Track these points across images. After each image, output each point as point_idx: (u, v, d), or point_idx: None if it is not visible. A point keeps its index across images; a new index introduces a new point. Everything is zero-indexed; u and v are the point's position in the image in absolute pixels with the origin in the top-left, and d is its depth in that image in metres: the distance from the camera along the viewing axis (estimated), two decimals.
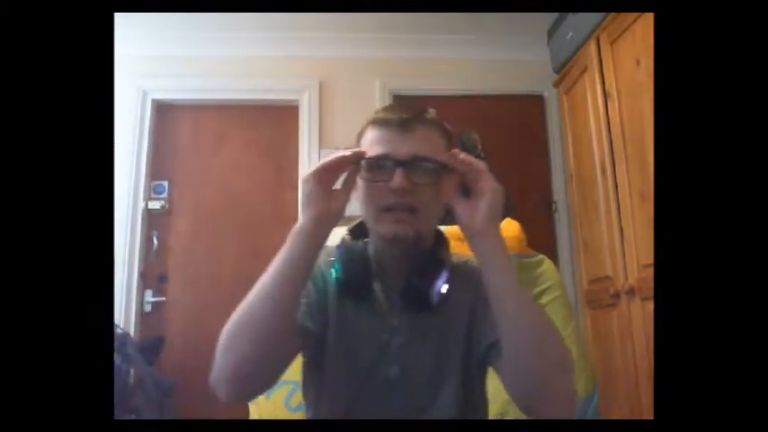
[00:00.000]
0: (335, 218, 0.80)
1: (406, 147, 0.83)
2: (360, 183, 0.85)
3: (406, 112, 0.87)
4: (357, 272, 0.87)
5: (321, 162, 0.79)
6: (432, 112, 0.90)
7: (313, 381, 0.90)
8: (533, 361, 0.75)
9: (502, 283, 0.78)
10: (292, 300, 0.78)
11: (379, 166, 0.83)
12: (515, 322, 0.77)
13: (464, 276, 0.90)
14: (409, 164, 0.82)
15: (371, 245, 0.90)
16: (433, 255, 0.89)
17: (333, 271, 0.88)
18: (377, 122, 0.87)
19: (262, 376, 0.79)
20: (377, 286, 0.88)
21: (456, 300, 0.87)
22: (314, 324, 0.85)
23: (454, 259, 0.92)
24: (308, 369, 0.91)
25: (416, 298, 0.85)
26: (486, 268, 0.79)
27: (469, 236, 0.80)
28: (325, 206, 0.79)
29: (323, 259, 0.89)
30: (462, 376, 0.86)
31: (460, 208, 0.80)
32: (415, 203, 0.82)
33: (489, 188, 0.78)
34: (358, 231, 0.94)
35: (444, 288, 0.86)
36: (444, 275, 0.86)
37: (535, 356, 0.75)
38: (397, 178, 0.81)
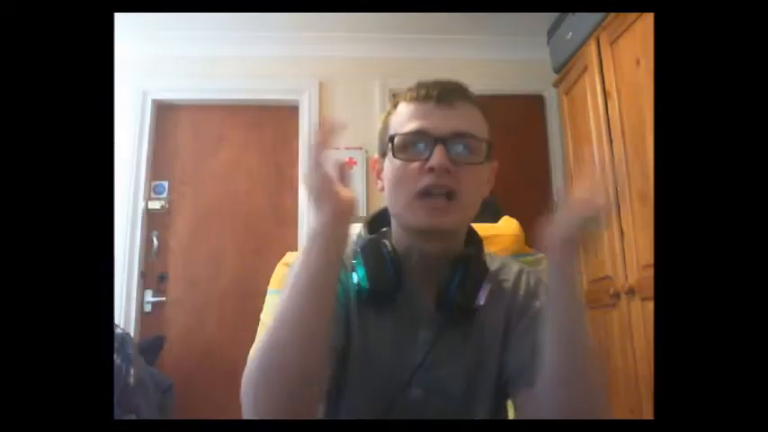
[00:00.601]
0: (354, 209, 0.66)
1: (446, 122, 0.73)
2: (388, 166, 0.75)
3: (445, 85, 0.76)
4: (385, 279, 0.74)
5: (313, 143, 0.65)
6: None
7: (330, 397, 0.75)
8: (580, 388, 0.65)
9: (569, 310, 0.67)
10: (323, 320, 0.64)
11: (414, 143, 0.73)
12: (570, 349, 0.66)
13: (499, 280, 0.79)
14: (450, 140, 0.72)
15: (396, 241, 0.78)
16: (471, 255, 0.77)
17: (354, 276, 0.76)
18: (412, 95, 0.76)
19: (305, 412, 0.63)
20: (405, 287, 0.76)
21: (492, 309, 0.76)
22: (337, 339, 0.73)
23: (488, 260, 0.81)
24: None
25: (454, 307, 0.74)
26: (557, 292, 0.67)
27: (546, 250, 0.67)
28: (339, 198, 0.64)
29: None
30: (494, 399, 0.75)
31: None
32: (456, 187, 0.71)
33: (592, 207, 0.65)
34: (375, 225, 0.83)
35: (484, 295, 0.74)
36: (486, 281, 0.75)
37: (583, 383, 0.66)
38: (437, 155, 0.70)
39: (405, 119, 0.75)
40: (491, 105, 0.81)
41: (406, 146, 0.73)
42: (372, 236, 0.79)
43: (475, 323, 0.75)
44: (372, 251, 0.76)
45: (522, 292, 0.80)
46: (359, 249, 0.77)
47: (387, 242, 0.76)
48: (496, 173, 0.80)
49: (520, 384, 0.72)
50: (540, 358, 0.67)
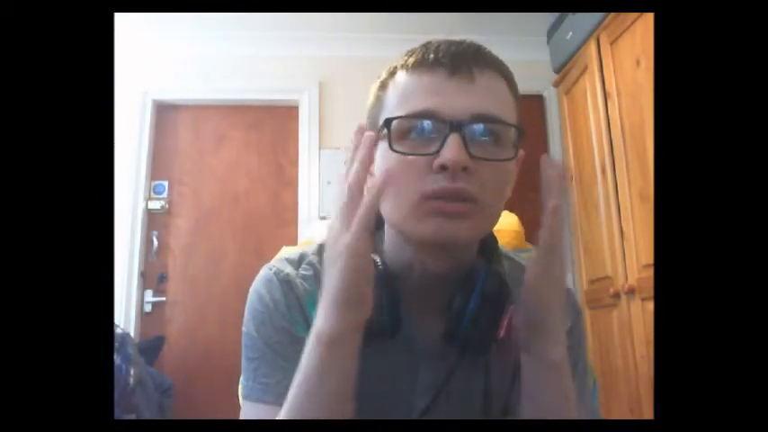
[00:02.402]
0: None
1: (464, 100, 0.54)
2: (382, 158, 0.57)
3: (462, 47, 0.57)
4: (382, 310, 0.55)
5: (358, 217, 0.46)
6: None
7: None
8: None
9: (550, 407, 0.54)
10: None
11: (419, 130, 0.55)
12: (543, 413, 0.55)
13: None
14: (469, 126, 0.53)
15: (391, 253, 0.61)
16: (489, 273, 0.59)
17: None
18: (416, 60, 0.57)
19: None
20: (400, 321, 0.58)
21: (513, 334, 0.58)
22: None
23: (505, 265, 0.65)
24: None
25: (467, 343, 0.57)
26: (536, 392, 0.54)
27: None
28: (367, 297, 0.48)
29: None
30: None
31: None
32: (475, 190, 0.53)
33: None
34: None
35: (506, 324, 0.57)
36: (509, 306, 0.57)
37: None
38: (451, 147, 0.52)
39: (406, 95, 0.56)
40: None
41: (408, 134, 0.55)
42: None
43: (491, 357, 0.59)
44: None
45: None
46: None
47: (377, 259, 0.58)
48: (521, 164, 0.61)
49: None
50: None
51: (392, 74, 0.60)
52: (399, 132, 0.56)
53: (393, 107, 0.58)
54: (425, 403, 0.59)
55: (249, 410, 0.61)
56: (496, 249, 0.66)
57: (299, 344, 0.55)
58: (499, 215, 0.59)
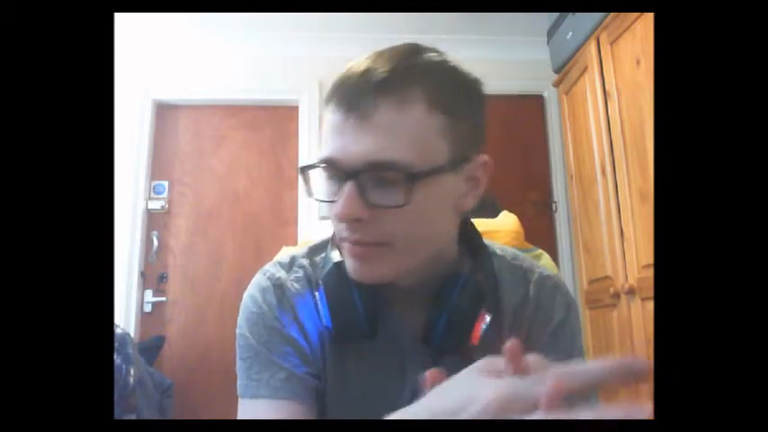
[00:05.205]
0: None
1: (359, 144, 0.51)
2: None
3: (366, 74, 0.53)
4: (352, 319, 0.58)
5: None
6: (436, 57, 0.56)
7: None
8: None
9: None
10: None
11: (324, 179, 0.55)
12: None
13: (504, 296, 0.64)
14: (363, 175, 0.51)
15: None
16: (465, 281, 0.59)
17: (317, 313, 0.62)
18: (329, 96, 0.56)
19: None
20: (385, 320, 0.61)
21: (496, 335, 0.60)
22: (313, 377, 0.62)
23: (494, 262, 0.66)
24: None
25: (443, 348, 0.58)
26: None
27: None
28: None
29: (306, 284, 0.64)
30: None
31: None
32: (380, 235, 0.53)
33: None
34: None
35: (481, 331, 0.58)
36: (486, 314, 0.58)
37: None
38: (343, 200, 0.51)
39: (322, 135, 0.56)
40: (473, 80, 0.58)
41: (312, 182, 0.56)
42: (340, 260, 0.60)
43: (475, 356, 0.58)
44: (337, 281, 0.59)
45: (533, 303, 0.65)
46: (321, 280, 0.61)
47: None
48: (488, 170, 0.59)
49: None
50: None
51: (326, 104, 0.58)
52: (308, 182, 0.57)
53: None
54: (412, 394, 0.57)
55: (247, 408, 0.62)
56: (482, 248, 0.66)
57: (290, 344, 0.60)
58: (430, 244, 0.58)
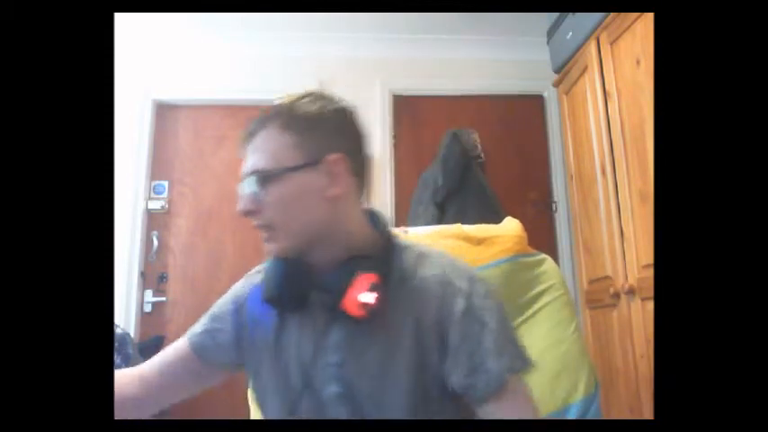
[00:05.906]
0: None
1: (247, 159, 0.79)
2: None
3: (263, 114, 0.82)
4: (275, 287, 0.79)
5: None
6: (309, 101, 0.85)
7: (255, 390, 0.88)
8: None
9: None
10: None
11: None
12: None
13: (410, 281, 0.78)
14: (247, 182, 0.77)
15: None
16: (358, 260, 0.77)
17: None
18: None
19: None
20: (311, 296, 0.79)
21: (399, 310, 0.76)
22: (231, 357, 0.91)
23: (410, 264, 0.80)
24: (250, 381, 0.89)
25: (337, 311, 0.75)
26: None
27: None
28: None
29: (244, 287, 0.91)
30: (417, 396, 0.75)
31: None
32: (269, 221, 0.77)
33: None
34: None
35: (369, 298, 0.73)
36: (367, 284, 0.73)
37: None
38: (240, 198, 0.78)
39: None
40: (334, 110, 0.86)
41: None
42: None
43: (377, 324, 0.75)
44: (273, 262, 0.81)
45: (448, 299, 0.77)
46: (267, 265, 0.83)
47: None
48: (342, 164, 0.79)
49: (474, 402, 0.75)
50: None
51: None
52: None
53: None
54: (335, 352, 0.78)
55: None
56: (390, 242, 0.83)
57: (230, 314, 0.95)
58: (311, 225, 0.78)
